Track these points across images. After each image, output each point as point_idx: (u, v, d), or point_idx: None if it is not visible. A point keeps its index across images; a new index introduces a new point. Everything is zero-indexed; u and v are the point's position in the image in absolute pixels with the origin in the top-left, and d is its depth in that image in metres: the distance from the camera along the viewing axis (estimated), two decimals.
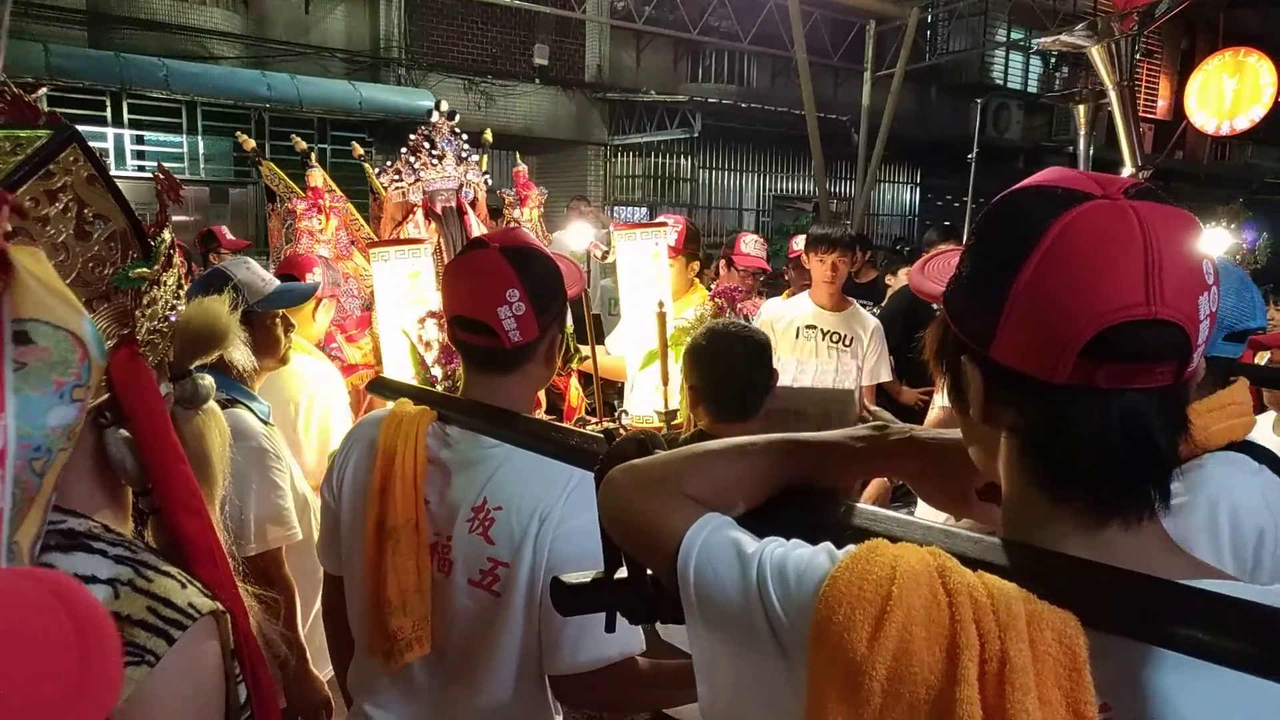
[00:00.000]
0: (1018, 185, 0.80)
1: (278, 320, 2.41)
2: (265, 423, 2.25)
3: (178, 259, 1.05)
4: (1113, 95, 5.14)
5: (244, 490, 2.08)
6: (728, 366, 2.19)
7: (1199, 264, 0.73)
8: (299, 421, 2.86)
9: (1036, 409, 0.76)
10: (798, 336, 4.11)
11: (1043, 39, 6.40)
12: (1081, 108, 5.72)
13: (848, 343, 4.06)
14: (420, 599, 1.46)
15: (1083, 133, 5.44)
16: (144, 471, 1.00)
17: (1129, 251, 0.71)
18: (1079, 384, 0.72)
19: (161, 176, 1.08)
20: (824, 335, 4.07)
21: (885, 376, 4.21)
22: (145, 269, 0.98)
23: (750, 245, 5.13)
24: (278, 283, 2.43)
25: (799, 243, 5.24)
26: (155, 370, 1.01)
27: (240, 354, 1.23)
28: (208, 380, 1.12)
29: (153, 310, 1.01)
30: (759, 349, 2.24)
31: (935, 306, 0.96)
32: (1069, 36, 5.37)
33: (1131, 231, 0.71)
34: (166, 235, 1.03)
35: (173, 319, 1.06)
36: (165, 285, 1.03)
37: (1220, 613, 0.66)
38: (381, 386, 1.73)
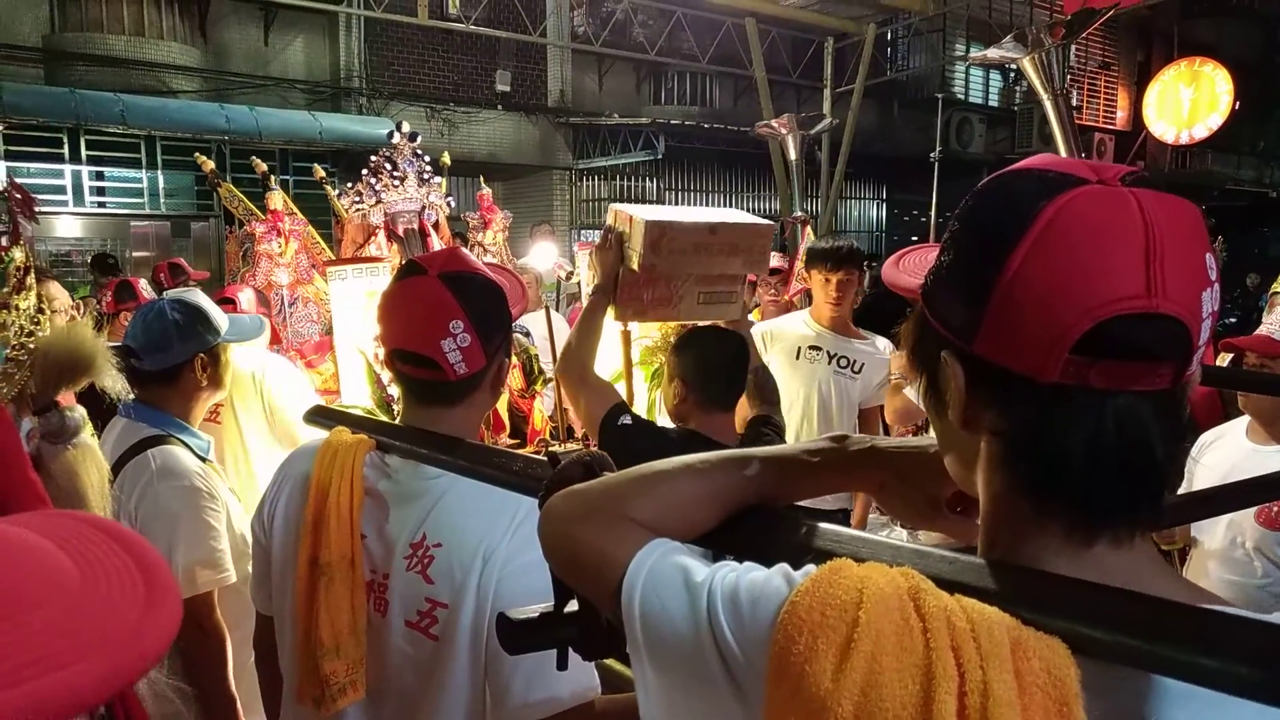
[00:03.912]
0: (1005, 169, 0.73)
1: (228, 353, 2.33)
2: (203, 459, 2.14)
3: (32, 281, 0.95)
4: (1048, 106, 5.19)
5: (172, 532, 1.95)
6: (723, 356, 2.33)
7: (1202, 257, 0.66)
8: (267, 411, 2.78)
9: (1022, 410, 0.68)
10: (798, 357, 3.80)
11: (973, 55, 6.48)
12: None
13: (857, 369, 3.77)
14: (355, 641, 1.36)
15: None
16: None
17: (1129, 239, 0.63)
18: (1070, 384, 0.65)
19: (14, 191, 0.98)
20: (830, 358, 3.77)
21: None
22: None
23: None
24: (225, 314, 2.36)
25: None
26: (14, 403, 0.90)
27: (112, 382, 1.12)
28: (77, 412, 1.01)
29: (3, 336, 0.91)
30: (744, 344, 2.42)
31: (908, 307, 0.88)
32: (997, 51, 5.41)
33: (1131, 218, 0.64)
34: (18, 255, 0.93)
35: (30, 348, 0.96)
36: (18, 310, 0.93)
37: (1232, 636, 0.58)
38: (319, 416, 1.63)
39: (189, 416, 2.22)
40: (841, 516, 3.79)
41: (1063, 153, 4.89)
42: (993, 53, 5.34)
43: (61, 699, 0.44)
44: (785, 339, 3.87)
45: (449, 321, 1.41)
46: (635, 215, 2.35)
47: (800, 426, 3.75)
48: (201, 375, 2.19)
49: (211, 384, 2.25)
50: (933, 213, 6.42)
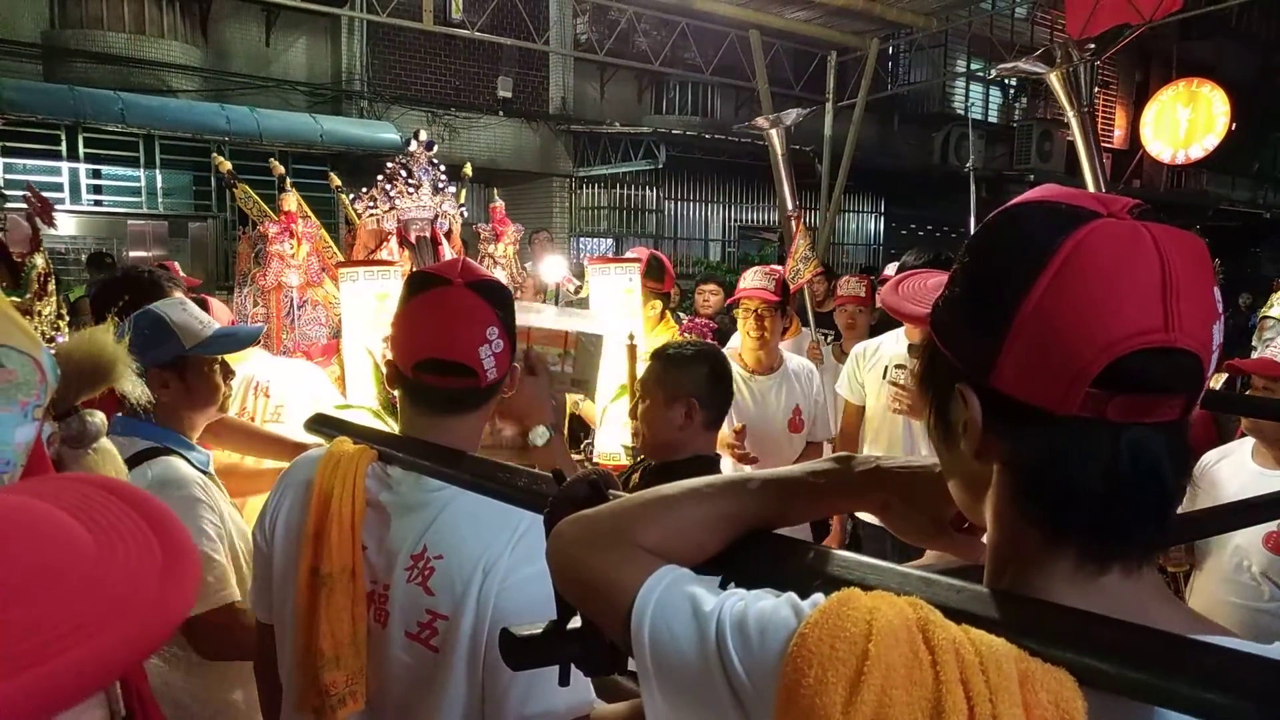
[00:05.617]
0: (1015, 201, 0.74)
1: (216, 367, 2.17)
2: (204, 472, 2.09)
3: (53, 287, 0.96)
4: (1074, 123, 5.10)
5: None
6: (728, 368, 2.36)
7: (1211, 290, 0.67)
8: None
9: (1037, 442, 0.69)
10: (884, 375, 3.64)
11: (1001, 66, 6.44)
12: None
13: None
14: (355, 651, 1.36)
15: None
16: None
17: (1146, 274, 0.64)
18: (1086, 416, 0.65)
19: (33, 197, 0.99)
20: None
21: None
22: (15, 298, 0.89)
23: (753, 278, 4.14)
24: (217, 325, 2.19)
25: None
26: None
27: (132, 387, 1.12)
28: (98, 417, 1.02)
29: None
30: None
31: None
32: (1027, 64, 5.37)
33: (1147, 253, 0.65)
34: (39, 261, 0.94)
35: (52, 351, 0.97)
36: (40, 315, 0.94)
37: (1236, 671, 0.58)
38: (322, 424, 1.63)
39: (183, 429, 2.11)
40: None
41: (1086, 169, 4.82)
42: (1024, 64, 5.28)
43: (92, 669, 0.44)
44: (877, 357, 3.72)
45: (486, 328, 1.44)
46: (583, 331, 2.08)
47: (888, 447, 3.59)
48: (162, 390, 2.01)
49: (192, 397, 2.10)
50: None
